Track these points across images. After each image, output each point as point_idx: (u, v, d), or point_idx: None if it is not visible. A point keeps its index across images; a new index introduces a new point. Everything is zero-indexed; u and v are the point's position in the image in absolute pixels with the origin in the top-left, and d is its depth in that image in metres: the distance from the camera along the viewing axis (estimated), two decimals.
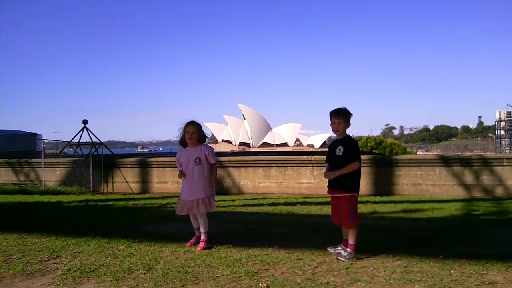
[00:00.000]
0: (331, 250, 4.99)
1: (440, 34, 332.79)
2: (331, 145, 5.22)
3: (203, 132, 5.49)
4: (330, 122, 5.08)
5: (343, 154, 4.88)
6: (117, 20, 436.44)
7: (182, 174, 5.51)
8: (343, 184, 4.91)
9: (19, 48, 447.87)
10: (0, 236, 6.11)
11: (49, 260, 4.85)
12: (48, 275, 4.31)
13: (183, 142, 5.50)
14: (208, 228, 5.49)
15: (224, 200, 11.65)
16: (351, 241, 4.83)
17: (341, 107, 5.07)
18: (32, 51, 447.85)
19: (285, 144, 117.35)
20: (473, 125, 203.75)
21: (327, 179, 5.08)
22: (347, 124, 5.02)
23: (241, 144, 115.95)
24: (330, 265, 4.53)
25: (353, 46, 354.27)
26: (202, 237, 5.39)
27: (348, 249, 4.81)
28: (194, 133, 5.38)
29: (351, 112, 5.07)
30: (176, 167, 5.71)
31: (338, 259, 4.71)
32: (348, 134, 5.08)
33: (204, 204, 5.40)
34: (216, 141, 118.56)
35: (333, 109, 5.07)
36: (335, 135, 5.18)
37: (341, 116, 4.98)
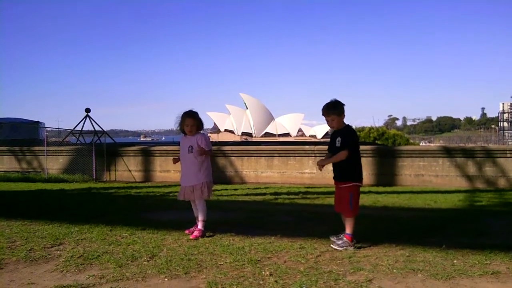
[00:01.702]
0: (333, 239, 4.99)
1: (444, 25, 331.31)
2: (332, 136, 5.22)
3: (201, 121, 5.57)
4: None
5: (340, 145, 4.90)
6: (121, 10, 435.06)
7: (174, 160, 5.78)
8: (344, 174, 4.93)
9: (22, 37, 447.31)
10: (3, 223, 6.13)
11: (52, 247, 4.87)
12: (52, 261, 4.32)
13: (183, 130, 5.59)
14: (206, 217, 5.49)
15: (227, 189, 11.66)
16: (347, 230, 4.84)
17: (331, 100, 5.04)
18: (36, 40, 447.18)
19: (287, 134, 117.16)
20: (476, 116, 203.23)
21: (332, 170, 5.08)
22: (341, 116, 4.98)
23: (243, 134, 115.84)
24: (333, 254, 4.54)
25: (357, 36, 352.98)
26: (199, 225, 5.41)
27: (344, 238, 4.81)
28: (193, 125, 5.48)
29: (342, 103, 5.02)
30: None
31: (331, 247, 4.74)
32: (346, 124, 5.05)
33: (199, 190, 5.42)
34: (218, 131, 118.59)
35: (324, 104, 5.03)
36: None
37: (331, 113, 4.96)
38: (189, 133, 5.50)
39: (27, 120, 37.18)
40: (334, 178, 5.07)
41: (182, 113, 5.55)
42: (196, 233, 5.29)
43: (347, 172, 4.92)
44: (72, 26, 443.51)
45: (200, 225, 5.40)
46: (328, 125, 5.14)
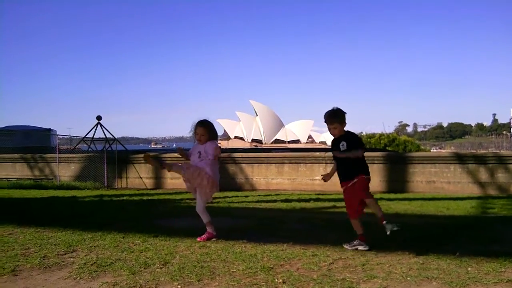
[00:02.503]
0: (347, 247, 4.98)
1: (455, 31, 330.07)
2: (334, 142, 5.23)
3: (213, 131, 5.60)
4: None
5: (349, 147, 4.98)
6: (132, 17, 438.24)
7: (165, 165, 6.14)
8: (352, 171, 5.07)
9: (34, 44, 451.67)
10: (17, 229, 6.17)
11: (65, 254, 4.89)
12: (65, 268, 4.34)
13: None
14: (210, 218, 5.62)
15: (237, 196, 11.67)
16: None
17: (333, 108, 5.15)
18: (46, 47, 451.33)
19: (297, 141, 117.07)
20: (487, 122, 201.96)
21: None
22: (342, 125, 5.09)
23: (253, 140, 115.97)
24: (346, 261, 4.51)
25: (367, 42, 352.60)
26: (207, 229, 5.55)
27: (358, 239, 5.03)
28: (203, 135, 5.51)
29: (343, 111, 5.12)
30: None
31: (344, 247, 5.02)
32: (346, 130, 5.16)
33: (205, 179, 5.46)
34: (228, 138, 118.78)
35: (326, 112, 5.14)
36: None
37: (334, 121, 5.07)
38: (198, 141, 5.55)
39: (39, 127, 37.44)
40: (342, 181, 5.16)
41: (196, 121, 5.61)
42: (203, 236, 5.46)
43: (355, 168, 5.03)
44: (83, 33, 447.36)
45: (208, 228, 5.53)
46: (330, 133, 5.19)
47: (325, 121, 5.14)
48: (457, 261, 4.43)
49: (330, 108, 5.17)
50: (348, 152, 4.98)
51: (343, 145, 5.01)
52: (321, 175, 5.45)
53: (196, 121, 5.60)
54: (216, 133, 5.67)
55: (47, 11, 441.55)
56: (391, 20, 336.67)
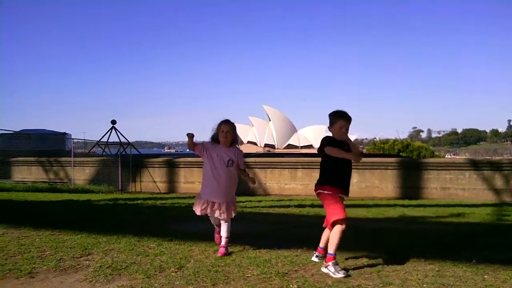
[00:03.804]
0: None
1: (470, 37, 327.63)
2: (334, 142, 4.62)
3: (237, 134, 5.20)
4: (339, 126, 4.54)
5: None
6: (145, 23, 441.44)
7: (192, 140, 5.00)
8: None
9: (49, 49, 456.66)
10: (33, 232, 6.22)
11: (81, 257, 4.92)
12: (81, 271, 4.37)
13: (215, 140, 5.13)
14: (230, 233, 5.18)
15: (251, 201, 11.67)
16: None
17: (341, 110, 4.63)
18: (62, 51, 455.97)
19: (310, 146, 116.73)
20: (502, 129, 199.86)
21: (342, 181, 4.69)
22: None
23: (266, 145, 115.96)
24: (361, 268, 4.49)
25: (381, 48, 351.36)
26: (223, 242, 5.10)
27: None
28: (229, 132, 5.05)
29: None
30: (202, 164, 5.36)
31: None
32: None
33: (231, 209, 5.12)
34: (241, 143, 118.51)
35: (337, 110, 4.61)
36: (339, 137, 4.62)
37: (350, 121, 4.57)
38: (223, 139, 5.04)
39: (54, 131, 37.83)
40: (346, 190, 4.72)
41: (219, 121, 5.14)
42: (222, 250, 5.02)
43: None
44: (98, 37, 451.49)
45: (224, 242, 5.12)
46: (340, 133, 4.57)
47: (341, 121, 4.54)
48: (473, 269, 4.39)
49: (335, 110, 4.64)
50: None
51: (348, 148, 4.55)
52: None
53: (221, 120, 5.14)
54: (238, 137, 5.31)
55: (63, 14, 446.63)
56: (406, 26, 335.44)
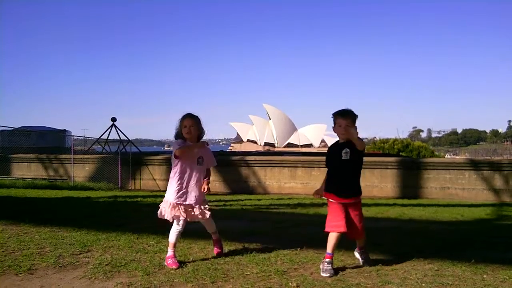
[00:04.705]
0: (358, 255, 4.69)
1: (471, 36, 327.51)
2: (333, 148, 4.56)
3: (201, 127, 4.70)
4: (337, 124, 4.39)
5: (350, 157, 4.34)
6: (147, 20, 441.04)
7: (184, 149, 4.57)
8: (359, 186, 4.53)
9: (48, 46, 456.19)
10: (33, 229, 6.23)
11: (80, 253, 4.93)
12: (80, 268, 4.38)
13: (180, 137, 4.67)
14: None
15: (250, 199, 11.68)
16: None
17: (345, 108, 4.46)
18: (62, 50, 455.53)
19: (310, 145, 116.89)
20: (502, 129, 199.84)
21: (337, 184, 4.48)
22: (354, 127, 4.36)
23: (266, 144, 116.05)
24: (360, 266, 4.49)
25: (382, 48, 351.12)
26: (215, 237, 4.96)
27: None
28: (192, 126, 4.58)
29: (356, 114, 4.44)
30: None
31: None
32: None
33: (207, 210, 4.73)
34: (241, 141, 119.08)
35: (344, 110, 4.44)
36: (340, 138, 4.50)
37: (349, 118, 4.36)
38: (187, 135, 4.58)
39: (54, 128, 37.76)
40: (347, 195, 4.46)
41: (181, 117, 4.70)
42: (218, 250, 4.90)
43: (359, 184, 4.54)
44: (99, 35, 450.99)
45: (218, 236, 4.96)
46: (337, 132, 4.42)
47: (335, 118, 4.39)
48: (472, 268, 4.39)
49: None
50: (356, 172, 4.47)
51: (347, 153, 4.33)
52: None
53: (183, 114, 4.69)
54: (203, 130, 4.75)
55: (64, 11, 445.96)
56: (407, 26, 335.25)
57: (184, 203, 4.58)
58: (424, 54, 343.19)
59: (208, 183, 4.67)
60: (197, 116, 4.68)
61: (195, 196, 4.61)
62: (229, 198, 12.28)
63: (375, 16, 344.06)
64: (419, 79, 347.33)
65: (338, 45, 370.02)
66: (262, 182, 15.69)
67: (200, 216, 4.66)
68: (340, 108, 4.49)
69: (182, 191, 4.59)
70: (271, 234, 6.23)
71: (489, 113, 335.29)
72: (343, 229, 4.38)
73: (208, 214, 4.71)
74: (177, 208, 4.57)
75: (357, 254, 4.66)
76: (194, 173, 4.62)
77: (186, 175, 4.60)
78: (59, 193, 13.73)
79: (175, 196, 4.58)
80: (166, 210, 4.61)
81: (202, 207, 4.66)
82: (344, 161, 4.35)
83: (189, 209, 4.61)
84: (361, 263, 4.53)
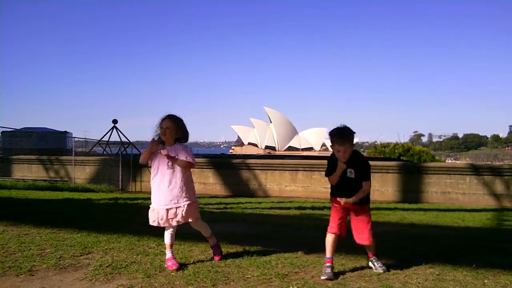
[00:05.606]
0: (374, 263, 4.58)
1: (472, 41, 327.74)
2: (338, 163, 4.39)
3: (183, 129, 4.53)
4: (335, 150, 4.31)
5: (362, 175, 4.46)
6: (148, 21, 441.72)
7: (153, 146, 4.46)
8: (365, 196, 4.66)
9: (50, 47, 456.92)
10: (34, 230, 6.23)
11: (81, 255, 4.92)
12: (81, 270, 4.37)
13: (160, 140, 4.53)
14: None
15: (251, 202, 11.67)
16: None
17: (340, 126, 4.32)
18: (64, 51, 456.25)
19: (311, 149, 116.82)
20: (503, 134, 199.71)
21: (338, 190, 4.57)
22: (352, 146, 4.33)
23: (267, 147, 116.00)
24: (361, 270, 4.49)
25: (383, 52, 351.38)
26: (212, 242, 4.88)
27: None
28: (168, 128, 4.41)
29: (353, 130, 4.33)
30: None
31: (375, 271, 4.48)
32: (354, 149, 4.40)
33: (195, 209, 4.64)
34: (242, 144, 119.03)
35: (332, 130, 4.33)
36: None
37: (347, 142, 4.25)
38: (163, 137, 4.43)
39: (55, 130, 37.76)
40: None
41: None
42: (218, 256, 4.80)
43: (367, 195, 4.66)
44: (100, 36, 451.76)
45: (215, 241, 4.88)
46: (337, 155, 4.33)
47: (333, 142, 4.30)
48: (473, 273, 4.38)
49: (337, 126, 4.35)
50: (358, 189, 4.49)
51: (351, 172, 4.36)
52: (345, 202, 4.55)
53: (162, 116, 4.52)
54: (187, 134, 4.58)
55: (67, 12, 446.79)
56: (408, 29, 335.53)
57: (161, 207, 4.49)
58: (426, 58, 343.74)
59: (173, 157, 4.46)
60: (178, 118, 4.52)
61: (170, 200, 4.48)
62: (230, 201, 12.28)
63: (377, 20, 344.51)
64: (421, 84, 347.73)
65: (340, 49, 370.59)
66: (263, 185, 15.68)
67: (180, 219, 4.52)
68: (334, 128, 4.34)
69: (156, 196, 4.55)
70: (271, 237, 6.23)
71: (490, 118, 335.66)
72: (333, 230, 4.48)
73: (189, 215, 4.56)
74: (157, 211, 4.53)
75: (373, 264, 4.53)
76: (166, 178, 4.49)
77: (158, 180, 4.53)
78: (60, 194, 13.72)
79: (153, 201, 4.58)
80: (149, 214, 4.62)
81: (180, 209, 4.49)
82: (349, 178, 4.42)
83: (168, 212, 4.49)
84: (381, 271, 4.38)
